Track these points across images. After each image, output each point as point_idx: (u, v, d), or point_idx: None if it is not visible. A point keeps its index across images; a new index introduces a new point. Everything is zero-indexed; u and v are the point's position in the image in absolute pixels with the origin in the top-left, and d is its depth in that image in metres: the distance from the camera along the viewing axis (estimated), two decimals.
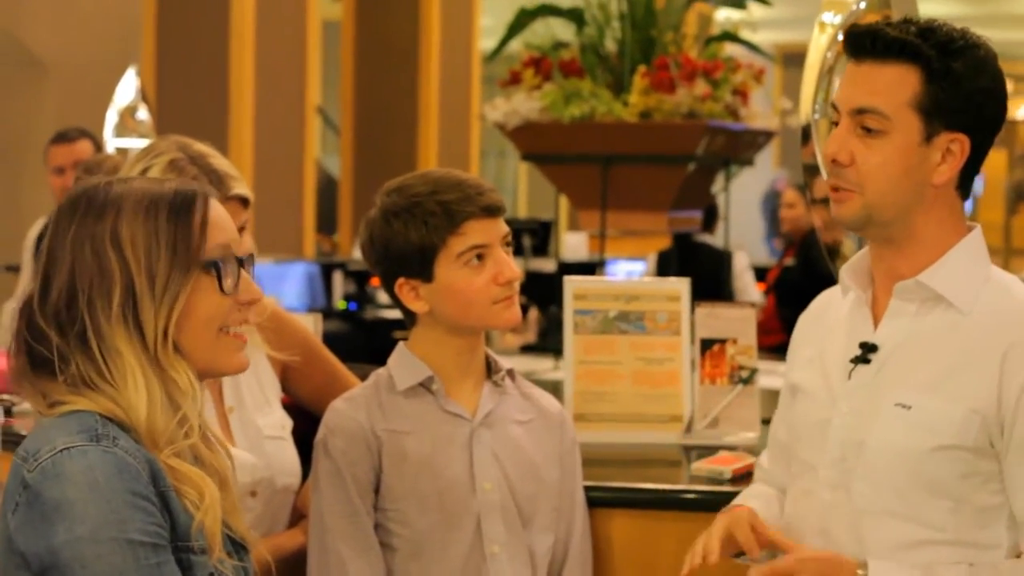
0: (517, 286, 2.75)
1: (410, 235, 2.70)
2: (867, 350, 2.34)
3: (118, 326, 1.99)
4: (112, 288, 1.99)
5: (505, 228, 2.74)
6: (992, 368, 2.25)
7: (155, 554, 1.91)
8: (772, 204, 14.25)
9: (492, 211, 2.71)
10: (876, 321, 2.36)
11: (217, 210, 2.08)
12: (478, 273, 2.70)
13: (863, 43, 2.28)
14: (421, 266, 2.71)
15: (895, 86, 2.25)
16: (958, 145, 2.27)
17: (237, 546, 2.10)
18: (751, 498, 2.56)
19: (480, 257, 2.70)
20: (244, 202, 2.77)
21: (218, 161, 2.77)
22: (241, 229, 2.64)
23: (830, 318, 2.46)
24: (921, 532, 2.27)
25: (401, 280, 2.74)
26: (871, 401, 2.32)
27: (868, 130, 2.26)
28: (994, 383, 2.24)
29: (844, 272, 2.41)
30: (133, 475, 1.92)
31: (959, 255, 2.31)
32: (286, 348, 2.91)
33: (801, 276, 7.35)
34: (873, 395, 2.32)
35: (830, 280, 2.64)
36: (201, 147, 2.79)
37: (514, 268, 2.73)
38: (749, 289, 8.16)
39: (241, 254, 2.08)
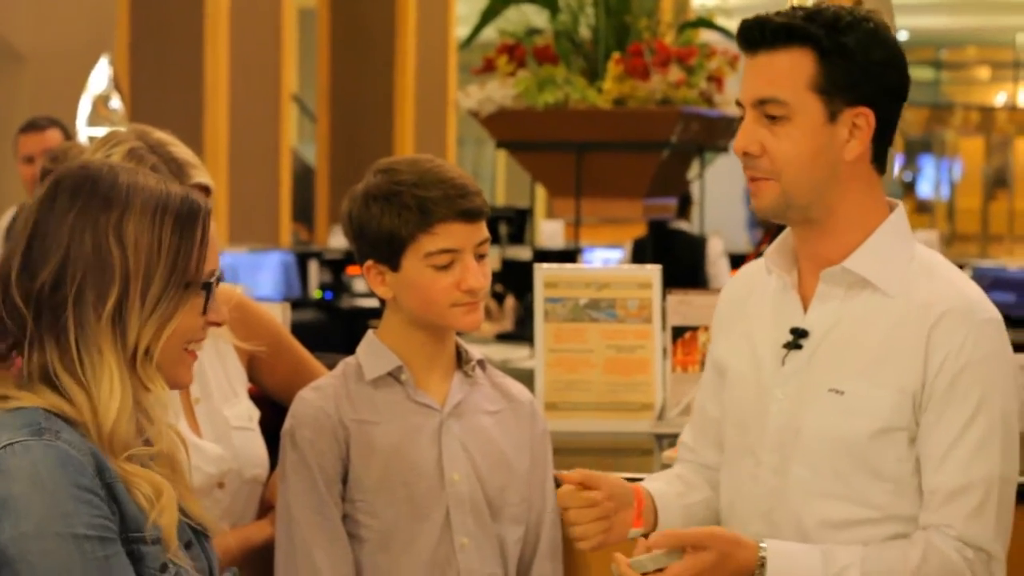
0: (483, 293, 2.71)
1: (383, 222, 2.67)
2: (798, 335, 2.36)
3: (106, 326, 1.95)
4: (109, 285, 1.95)
5: (482, 234, 2.69)
6: (918, 347, 2.28)
7: (102, 547, 1.89)
8: None
9: (470, 216, 2.66)
10: (804, 303, 2.38)
11: (213, 227, 2.05)
12: (443, 275, 2.66)
13: (753, 35, 2.32)
14: (389, 254, 2.69)
15: (790, 71, 2.28)
16: (863, 119, 2.30)
17: (197, 533, 2.08)
18: (653, 480, 2.53)
19: (449, 260, 2.67)
20: (205, 191, 2.74)
21: (178, 149, 2.75)
22: None
23: (756, 296, 2.48)
24: (860, 512, 2.30)
25: (370, 263, 2.72)
26: (806, 387, 2.34)
27: (772, 118, 2.30)
28: (920, 361, 2.27)
29: (768, 255, 2.43)
30: (77, 468, 1.90)
31: (882, 237, 2.34)
32: (253, 338, 2.89)
33: None
34: (807, 381, 2.34)
35: None
36: (160, 135, 2.76)
37: (479, 277, 2.68)
38: (723, 275, 8.15)
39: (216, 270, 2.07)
